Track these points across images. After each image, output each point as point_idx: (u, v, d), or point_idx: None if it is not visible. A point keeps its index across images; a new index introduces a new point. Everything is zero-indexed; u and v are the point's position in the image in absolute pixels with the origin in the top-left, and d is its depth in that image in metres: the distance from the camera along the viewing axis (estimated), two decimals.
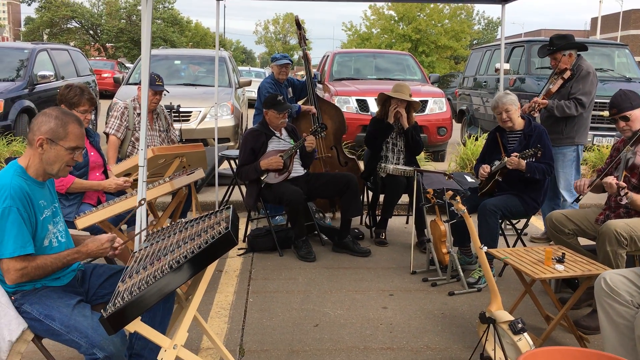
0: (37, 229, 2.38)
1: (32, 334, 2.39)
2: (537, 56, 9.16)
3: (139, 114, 4.78)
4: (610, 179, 3.35)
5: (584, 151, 5.21)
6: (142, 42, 3.17)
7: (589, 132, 5.17)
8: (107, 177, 4.07)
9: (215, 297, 3.98)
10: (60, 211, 2.63)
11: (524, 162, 4.12)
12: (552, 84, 4.89)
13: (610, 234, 3.31)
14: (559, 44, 4.88)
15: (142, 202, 2.86)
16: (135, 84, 7.83)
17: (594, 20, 46.35)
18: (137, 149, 4.75)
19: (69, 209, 3.70)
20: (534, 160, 4.15)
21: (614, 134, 7.96)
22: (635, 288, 2.67)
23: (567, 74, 4.81)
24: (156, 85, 4.72)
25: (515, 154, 4.16)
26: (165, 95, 5.03)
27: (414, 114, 5.29)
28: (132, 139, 4.77)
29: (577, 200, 3.84)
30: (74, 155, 2.46)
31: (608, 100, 3.92)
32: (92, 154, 3.98)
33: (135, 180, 4.12)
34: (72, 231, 2.83)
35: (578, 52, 4.94)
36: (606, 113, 4.38)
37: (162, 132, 4.96)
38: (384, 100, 5.22)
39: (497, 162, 4.35)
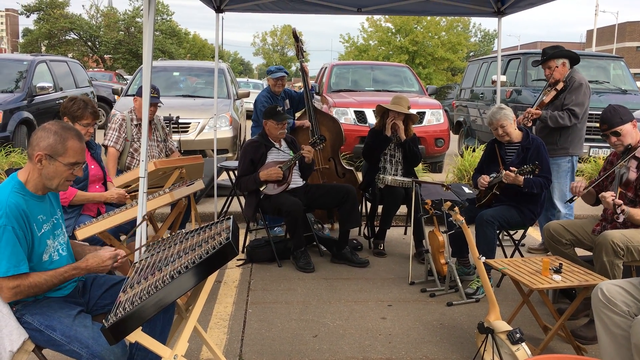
0: (34, 246, 2.37)
1: (33, 344, 2.39)
2: (533, 68, 9.26)
3: (136, 125, 4.82)
4: (608, 196, 3.37)
5: (579, 162, 5.26)
6: (143, 54, 3.20)
7: (585, 144, 5.22)
8: (107, 189, 4.08)
9: (215, 307, 3.99)
10: (62, 223, 2.63)
11: (521, 178, 4.14)
12: (545, 95, 4.95)
13: (607, 244, 3.33)
14: (550, 52, 4.95)
15: (145, 217, 2.85)
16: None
17: (589, 33, 46.70)
18: (136, 160, 4.78)
19: (68, 222, 3.70)
20: (531, 176, 4.17)
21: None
22: (632, 298, 2.69)
23: (560, 86, 4.86)
24: (151, 97, 4.75)
25: (513, 168, 4.18)
26: (160, 106, 5.05)
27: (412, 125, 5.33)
28: (131, 150, 4.80)
29: (571, 200, 3.87)
30: (74, 171, 2.45)
31: None
32: (92, 167, 3.99)
33: (134, 192, 4.15)
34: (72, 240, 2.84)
35: (572, 65, 4.99)
36: None
37: (160, 142, 5.00)
38: (383, 112, 5.26)
39: (495, 174, 4.38)
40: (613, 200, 3.32)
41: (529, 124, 4.89)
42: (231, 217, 2.68)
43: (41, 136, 2.40)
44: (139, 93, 4.86)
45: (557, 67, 4.90)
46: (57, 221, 2.56)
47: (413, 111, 5.37)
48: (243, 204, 5.46)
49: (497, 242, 4.39)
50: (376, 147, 5.21)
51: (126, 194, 3.88)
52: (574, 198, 3.81)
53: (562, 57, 4.92)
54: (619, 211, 3.28)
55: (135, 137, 4.79)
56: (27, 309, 2.38)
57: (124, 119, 4.80)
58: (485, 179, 4.38)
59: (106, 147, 4.79)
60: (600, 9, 43.90)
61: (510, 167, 4.21)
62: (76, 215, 3.80)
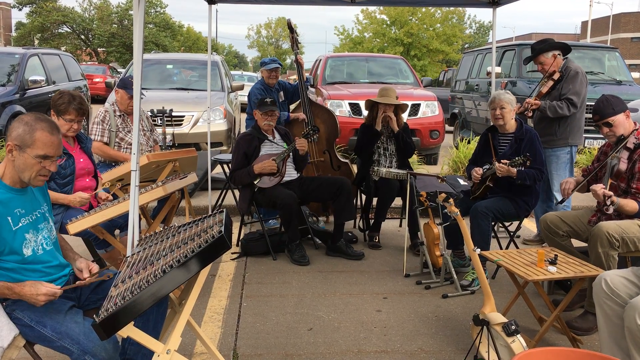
0: (6, 240, 2.30)
1: (24, 340, 2.37)
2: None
3: (119, 116, 4.81)
4: (598, 188, 3.36)
5: (577, 153, 5.24)
6: (134, 47, 3.16)
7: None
8: (97, 182, 4.04)
9: (209, 301, 3.97)
10: (49, 216, 2.58)
11: (514, 170, 4.13)
12: (543, 86, 4.93)
13: (602, 235, 3.32)
14: (538, 47, 4.93)
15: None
16: None
17: (584, 24, 46.69)
18: (123, 149, 4.76)
19: (56, 217, 3.63)
20: (523, 168, 4.16)
21: None
22: (635, 289, 2.66)
23: (557, 76, 4.84)
24: (128, 90, 4.72)
25: (505, 160, 4.17)
26: (142, 98, 5.03)
27: (403, 115, 5.31)
28: (117, 139, 4.77)
29: (561, 202, 3.88)
30: (44, 164, 2.36)
31: None
32: (81, 160, 3.94)
33: (126, 185, 4.11)
34: (63, 237, 2.81)
35: (565, 56, 4.96)
36: None
37: (146, 131, 4.97)
38: (372, 106, 5.24)
39: (487, 166, 4.36)
40: (603, 192, 3.31)
41: (530, 114, 4.87)
42: (224, 210, 2.65)
43: (13, 126, 2.35)
44: (120, 85, 4.83)
45: (548, 59, 4.87)
46: (40, 215, 2.50)
47: (407, 103, 5.34)
48: (237, 197, 5.43)
49: (492, 234, 4.38)
50: (367, 142, 5.19)
51: (88, 197, 3.71)
52: (564, 199, 3.81)
53: (550, 49, 4.89)
54: (608, 202, 3.27)
55: (120, 127, 4.77)
56: (17, 304, 2.35)
57: (107, 111, 4.78)
58: (477, 172, 4.37)
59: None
60: (595, 0, 43.80)
61: (502, 160, 4.20)
62: (64, 209, 3.75)
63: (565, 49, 4.95)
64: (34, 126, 2.34)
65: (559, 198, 4.90)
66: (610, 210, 3.33)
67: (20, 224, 2.38)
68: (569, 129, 4.90)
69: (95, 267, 2.50)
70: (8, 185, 2.38)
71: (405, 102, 5.36)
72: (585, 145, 8.26)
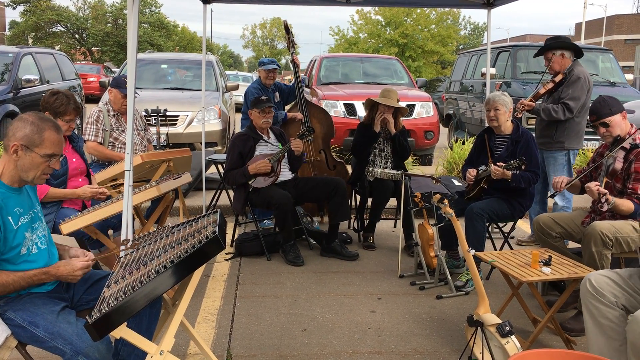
0: (7, 239, 2.31)
1: (16, 340, 2.34)
2: (522, 61, 9.25)
3: (113, 115, 4.78)
4: (593, 186, 3.37)
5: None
6: (128, 46, 3.15)
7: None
8: (90, 182, 4.02)
9: (203, 302, 3.96)
10: (42, 216, 2.57)
11: (509, 173, 4.13)
12: (542, 87, 4.92)
13: (596, 234, 3.33)
14: (548, 43, 4.92)
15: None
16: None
17: (578, 26, 46.81)
18: (117, 148, 4.74)
19: (48, 217, 3.61)
20: (518, 172, 4.16)
21: None
22: (619, 289, 2.68)
23: (559, 78, 4.83)
24: (126, 88, 4.70)
25: (500, 164, 4.17)
26: (136, 97, 5.01)
27: (401, 118, 5.31)
28: (111, 139, 4.75)
29: (552, 196, 3.88)
30: (50, 163, 2.40)
31: None
32: (74, 160, 3.91)
33: (120, 185, 4.09)
34: (55, 237, 2.79)
35: (575, 57, 4.93)
36: None
37: (140, 131, 4.95)
38: (372, 105, 5.23)
39: (483, 167, 4.36)
40: (597, 189, 3.32)
41: (519, 115, 4.87)
42: (218, 210, 2.64)
43: (17, 126, 2.35)
44: (113, 84, 4.81)
45: (555, 57, 4.85)
46: (35, 214, 2.50)
47: (402, 104, 5.34)
48: (232, 198, 5.41)
49: (487, 235, 4.38)
50: (365, 143, 5.18)
51: (101, 191, 3.75)
52: (555, 193, 3.81)
53: (558, 48, 4.88)
54: (603, 200, 3.28)
55: (113, 126, 4.75)
56: (9, 305, 2.34)
57: (100, 111, 4.76)
58: (471, 173, 4.37)
59: (86, 142, 4.73)
60: (589, 2, 43.97)
61: (497, 163, 4.20)
62: (56, 210, 3.72)
63: (578, 52, 4.90)
64: (42, 126, 2.36)
65: (559, 200, 4.91)
66: (605, 208, 3.34)
67: (20, 223, 2.38)
68: (566, 133, 4.89)
69: (91, 255, 2.54)
70: (6, 184, 2.38)
71: (402, 104, 5.34)
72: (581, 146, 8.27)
